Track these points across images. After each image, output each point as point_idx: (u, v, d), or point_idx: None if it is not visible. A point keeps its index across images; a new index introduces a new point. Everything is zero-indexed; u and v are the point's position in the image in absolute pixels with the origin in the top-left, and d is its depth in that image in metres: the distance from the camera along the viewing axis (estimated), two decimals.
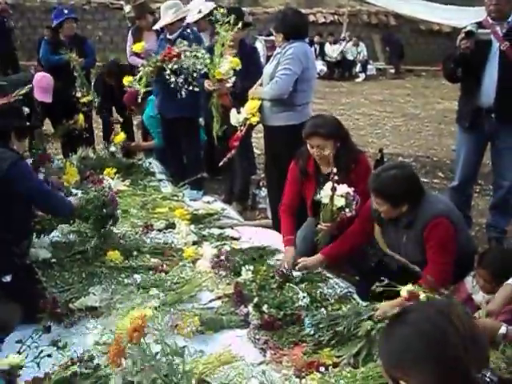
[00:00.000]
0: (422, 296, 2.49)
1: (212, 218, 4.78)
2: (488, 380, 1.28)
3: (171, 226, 4.42)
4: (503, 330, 2.45)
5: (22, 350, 2.59)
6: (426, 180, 6.05)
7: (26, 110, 3.67)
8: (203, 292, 3.48)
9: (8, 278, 3.07)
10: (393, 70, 17.24)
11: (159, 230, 4.38)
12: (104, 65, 6.92)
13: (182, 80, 4.87)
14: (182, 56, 4.88)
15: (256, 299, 3.21)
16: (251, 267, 3.65)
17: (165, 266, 3.73)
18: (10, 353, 2.55)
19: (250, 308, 3.17)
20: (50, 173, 4.60)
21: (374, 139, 8.48)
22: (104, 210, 3.83)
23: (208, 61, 4.79)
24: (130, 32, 6.74)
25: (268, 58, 5.57)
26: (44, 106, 5.00)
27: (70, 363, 2.59)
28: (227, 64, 4.65)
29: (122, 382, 2.36)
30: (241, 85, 4.72)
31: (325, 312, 3.06)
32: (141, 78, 5.13)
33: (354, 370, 2.63)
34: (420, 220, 3.07)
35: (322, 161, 3.64)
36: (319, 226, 3.57)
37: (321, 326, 2.95)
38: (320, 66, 15.17)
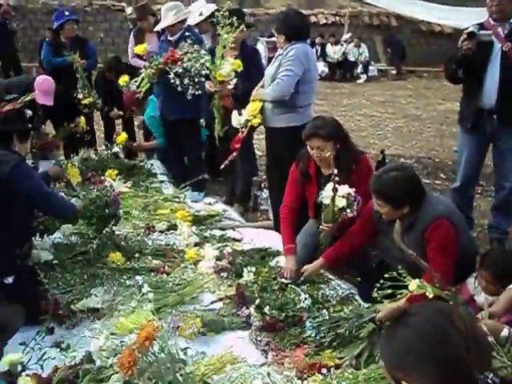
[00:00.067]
0: (429, 290, 2.47)
1: (214, 219, 4.79)
2: (490, 381, 1.28)
3: (173, 227, 4.43)
4: (505, 332, 2.45)
5: (25, 352, 2.60)
6: (427, 181, 6.05)
7: (29, 112, 3.68)
8: (205, 293, 3.49)
9: (10, 280, 3.08)
10: (394, 71, 17.24)
11: (161, 232, 4.39)
12: (104, 61, 6.91)
13: (187, 82, 4.87)
14: (186, 59, 4.89)
15: (258, 301, 3.21)
16: (253, 269, 3.66)
17: (166, 267, 3.73)
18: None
19: (252, 309, 3.17)
20: (57, 159, 4.60)
21: (376, 140, 8.48)
22: (106, 210, 3.83)
23: (208, 63, 4.79)
24: (132, 34, 6.75)
25: (270, 60, 5.57)
26: (45, 108, 5.00)
27: (72, 364, 2.59)
28: (229, 66, 4.65)
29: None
30: (242, 86, 4.73)
31: (326, 313, 3.06)
32: (142, 79, 5.14)
33: (356, 371, 2.63)
34: (421, 221, 3.07)
35: (322, 162, 3.63)
36: (321, 227, 3.57)
37: (322, 327, 2.96)
38: (321, 67, 15.17)
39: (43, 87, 4.87)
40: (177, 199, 5.13)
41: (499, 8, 4.02)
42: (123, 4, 16.33)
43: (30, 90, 4.33)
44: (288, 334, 3.01)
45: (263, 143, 5.00)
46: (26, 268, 3.28)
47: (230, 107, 4.74)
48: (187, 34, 5.25)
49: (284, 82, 4.14)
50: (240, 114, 4.42)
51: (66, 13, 6.53)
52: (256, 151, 6.00)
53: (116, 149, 5.89)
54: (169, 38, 5.34)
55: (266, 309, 3.13)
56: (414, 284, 2.58)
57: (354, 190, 3.41)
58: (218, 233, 4.48)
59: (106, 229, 3.91)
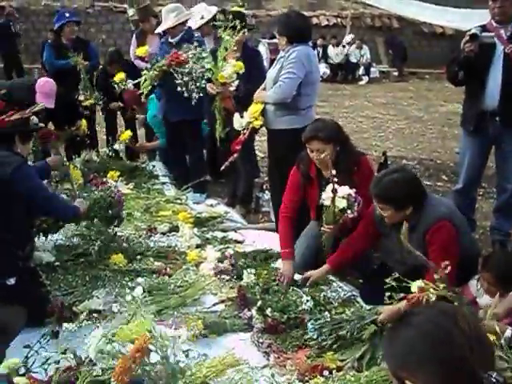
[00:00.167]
0: (432, 292, 2.47)
1: (215, 221, 4.79)
2: (494, 380, 1.27)
3: (175, 229, 4.43)
4: (508, 333, 2.45)
5: (29, 355, 2.59)
6: (429, 183, 6.04)
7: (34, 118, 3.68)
8: (207, 295, 3.49)
9: (12, 281, 3.08)
10: (396, 73, 17.23)
11: (163, 233, 4.39)
12: (105, 54, 6.90)
13: (191, 84, 4.87)
14: (191, 62, 4.89)
15: (259, 303, 3.21)
16: (253, 270, 3.66)
17: (168, 269, 3.73)
18: (16, 357, 2.56)
19: (254, 311, 3.17)
20: (57, 149, 4.59)
21: (378, 142, 8.47)
22: (110, 211, 3.83)
23: (210, 65, 4.79)
24: (134, 35, 6.76)
25: (271, 61, 5.57)
26: (47, 110, 5.00)
27: (73, 367, 2.59)
28: (230, 67, 4.65)
29: None
30: (244, 88, 4.73)
31: (328, 315, 3.05)
32: (145, 81, 5.14)
33: (358, 373, 2.63)
34: (422, 223, 3.07)
35: (323, 165, 3.63)
36: (322, 229, 3.57)
37: (324, 329, 2.95)
38: (323, 69, 15.17)
39: (44, 89, 4.87)
40: (178, 201, 5.14)
41: (502, 10, 4.02)
42: (125, 6, 16.32)
43: (31, 92, 4.34)
44: (290, 336, 3.01)
45: (265, 145, 5.00)
46: (28, 269, 3.28)
47: (231, 109, 4.74)
48: (194, 35, 5.25)
49: (286, 85, 4.14)
50: (242, 117, 4.42)
51: (67, 14, 6.54)
52: (258, 153, 6.01)
53: (117, 146, 5.88)
54: (169, 39, 5.34)
55: (268, 311, 3.13)
56: (415, 286, 2.58)
57: (354, 190, 3.41)
58: (219, 234, 4.49)
59: (109, 230, 3.91)
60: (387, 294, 2.63)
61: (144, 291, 3.27)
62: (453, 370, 1.29)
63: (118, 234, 4.07)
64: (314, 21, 17.07)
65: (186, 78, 4.85)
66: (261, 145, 6.10)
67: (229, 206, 5.28)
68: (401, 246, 3.21)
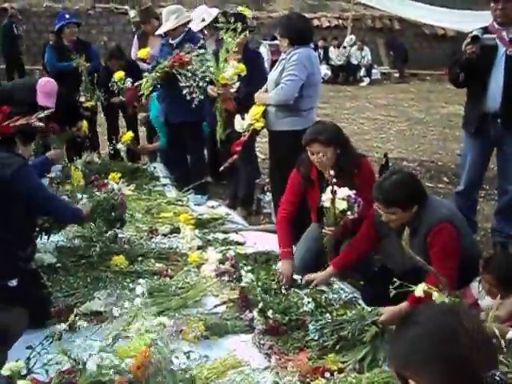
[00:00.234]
0: (435, 295, 2.47)
1: (216, 222, 4.79)
2: (498, 379, 1.27)
3: (176, 230, 4.43)
4: (510, 334, 2.44)
5: (31, 356, 2.59)
6: (430, 185, 6.04)
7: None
8: (208, 297, 3.49)
9: (14, 283, 3.08)
10: (397, 75, 17.21)
11: (164, 235, 4.39)
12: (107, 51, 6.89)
13: (195, 85, 4.87)
14: (194, 63, 4.89)
15: (261, 304, 3.21)
16: (252, 272, 3.66)
17: (169, 270, 3.73)
18: (18, 358, 2.55)
19: (255, 313, 3.17)
20: (56, 144, 4.59)
21: (379, 144, 8.47)
22: (112, 214, 3.83)
23: (212, 67, 4.80)
24: (136, 36, 6.76)
25: (273, 63, 5.57)
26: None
27: (72, 368, 2.59)
28: (232, 69, 4.66)
29: None
30: (244, 89, 4.73)
31: (330, 317, 3.06)
32: (147, 81, 5.14)
33: (359, 375, 2.63)
34: (424, 225, 3.07)
35: (323, 167, 3.63)
36: (324, 231, 3.57)
37: (326, 330, 2.95)
38: (324, 71, 15.17)
39: (45, 89, 4.88)
40: (180, 202, 5.13)
41: (504, 12, 4.01)
42: (126, 7, 16.41)
43: (32, 92, 4.34)
44: (291, 338, 3.01)
45: (266, 146, 5.00)
46: (30, 271, 3.28)
47: (232, 110, 4.74)
48: (196, 36, 5.25)
49: (288, 87, 4.15)
50: (243, 119, 4.42)
51: (67, 16, 6.56)
52: (259, 154, 6.00)
53: (119, 145, 5.88)
54: (170, 41, 5.34)
55: (269, 312, 3.13)
56: (419, 289, 2.57)
57: (353, 191, 3.41)
58: (220, 236, 4.49)
59: (110, 232, 3.91)
60: (391, 294, 2.62)
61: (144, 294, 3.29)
62: (457, 368, 1.28)
63: (119, 235, 4.07)
64: (315, 22, 17.08)
65: (190, 82, 4.84)
66: (262, 146, 6.10)
67: (230, 208, 5.28)
68: (402, 252, 3.21)
